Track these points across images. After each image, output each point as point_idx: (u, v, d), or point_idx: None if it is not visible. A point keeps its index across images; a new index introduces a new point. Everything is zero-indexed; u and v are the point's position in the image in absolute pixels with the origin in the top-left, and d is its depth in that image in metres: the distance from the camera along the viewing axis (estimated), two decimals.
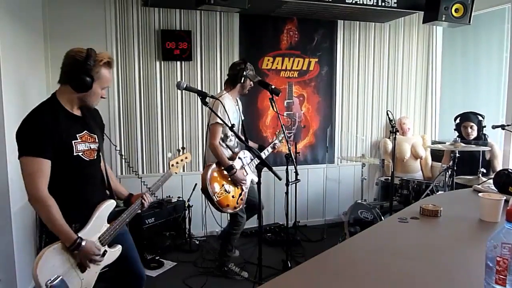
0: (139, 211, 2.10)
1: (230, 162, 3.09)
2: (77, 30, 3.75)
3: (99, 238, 1.86)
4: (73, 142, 1.82)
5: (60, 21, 3.71)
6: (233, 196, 3.10)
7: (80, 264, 1.79)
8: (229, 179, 3.09)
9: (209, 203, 3.04)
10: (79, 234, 1.76)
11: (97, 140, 1.96)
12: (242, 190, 3.17)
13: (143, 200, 2.08)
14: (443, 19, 3.74)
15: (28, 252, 3.01)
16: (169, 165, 2.30)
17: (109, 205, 1.94)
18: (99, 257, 1.83)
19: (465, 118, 3.94)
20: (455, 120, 4.02)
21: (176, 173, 2.30)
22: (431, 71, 5.12)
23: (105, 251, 1.89)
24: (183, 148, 2.41)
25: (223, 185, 3.04)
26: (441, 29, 5.02)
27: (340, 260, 1.37)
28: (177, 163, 2.31)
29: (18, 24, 2.96)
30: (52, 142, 1.73)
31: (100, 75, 1.82)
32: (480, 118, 3.90)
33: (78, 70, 1.76)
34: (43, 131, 1.72)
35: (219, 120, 2.83)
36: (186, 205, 4.03)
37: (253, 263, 3.53)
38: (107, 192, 2.05)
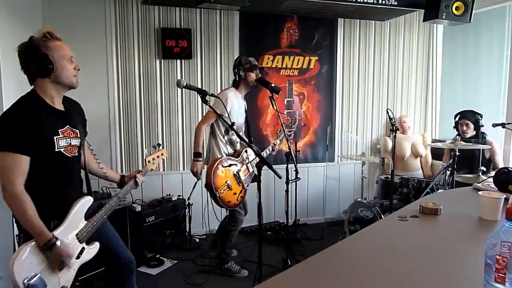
0: (130, 192, 2.16)
1: (199, 150, 3.17)
2: (77, 28, 3.75)
3: (76, 235, 1.84)
4: (54, 137, 1.78)
5: (60, 20, 3.69)
6: (234, 193, 3.11)
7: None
8: (234, 173, 3.12)
9: (212, 199, 3.05)
10: (55, 233, 1.74)
11: (79, 136, 1.92)
12: (243, 188, 3.19)
13: (137, 179, 2.15)
14: (444, 17, 3.74)
15: None
16: (145, 162, 2.28)
17: (86, 201, 1.92)
18: (71, 261, 1.80)
19: (462, 116, 3.95)
20: (455, 117, 4.03)
21: (152, 169, 2.31)
22: (431, 70, 5.11)
23: (83, 248, 1.88)
24: (159, 144, 2.45)
25: (226, 181, 3.06)
26: (442, 27, 5.01)
27: (340, 259, 1.38)
28: (153, 159, 2.31)
29: (18, 23, 2.96)
30: (33, 137, 1.70)
31: (50, 48, 1.76)
32: (478, 117, 3.90)
33: (31, 58, 1.74)
34: (23, 126, 1.68)
35: (217, 110, 2.80)
36: (186, 204, 4.02)
37: (253, 262, 3.54)
38: (85, 189, 2.04)
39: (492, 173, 2.94)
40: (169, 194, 4.08)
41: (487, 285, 0.99)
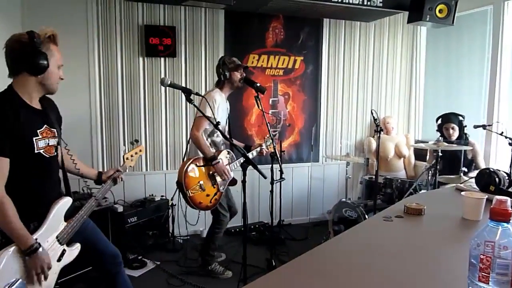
0: (110, 190, 2.12)
1: (213, 153, 3.07)
2: (58, 24, 3.61)
3: (57, 237, 1.82)
4: (33, 139, 1.74)
5: (39, 15, 3.60)
6: (207, 195, 3.07)
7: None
8: (209, 174, 3.07)
9: (183, 198, 3.02)
10: (36, 236, 1.70)
11: (56, 135, 1.89)
12: (218, 190, 3.14)
13: (115, 178, 2.11)
14: (427, 19, 3.80)
15: None
16: (123, 159, 2.24)
17: (66, 202, 1.89)
18: (48, 268, 1.74)
19: (446, 120, 4.00)
20: (436, 121, 4.09)
21: (131, 166, 2.28)
22: (415, 71, 5.19)
23: (64, 250, 1.85)
24: (136, 140, 2.42)
25: (199, 182, 3.01)
26: (425, 30, 5.09)
27: (326, 260, 1.38)
28: (131, 156, 2.26)
29: None
30: (11, 138, 1.65)
31: (51, 51, 1.75)
32: (461, 118, 3.97)
33: (30, 52, 1.67)
34: (2, 127, 1.63)
35: (207, 114, 2.79)
36: (170, 204, 3.99)
37: (237, 262, 3.52)
38: (63, 189, 2.01)
39: (474, 174, 3.01)
40: (152, 194, 4.04)
41: (471, 284, 1.01)
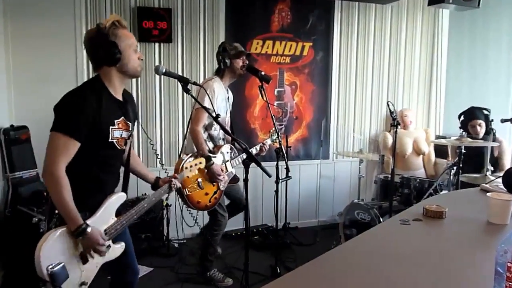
0: (164, 196, 2.28)
1: (208, 153, 3.07)
2: (42, 6, 3.66)
3: (105, 230, 1.92)
4: (110, 128, 1.91)
5: None
6: (206, 193, 3.07)
7: (82, 254, 1.85)
8: (205, 173, 3.07)
9: (179, 197, 3.02)
10: (88, 221, 1.83)
11: (130, 129, 2.06)
12: (218, 188, 3.15)
13: (171, 184, 2.25)
14: (451, 1, 3.77)
15: None
16: (182, 167, 2.36)
17: (120, 197, 2.04)
18: (104, 248, 1.88)
19: (472, 116, 3.96)
20: (459, 117, 4.06)
21: (188, 176, 2.39)
22: (436, 59, 5.17)
23: (109, 245, 1.95)
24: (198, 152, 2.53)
25: (197, 179, 3.01)
26: (448, 13, 5.06)
27: (335, 267, 1.38)
28: (191, 166, 2.36)
29: None
30: (89, 124, 1.82)
31: (119, 36, 1.90)
32: (486, 112, 3.95)
33: (100, 45, 1.88)
34: (82, 112, 1.81)
35: (206, 105, 2.80)
36: (164, 205, 4.00)
37: (238, 269, 3.54)
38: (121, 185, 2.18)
39: (500, 174, 2.99)
40: (145, 194, 4.04)
41: None
